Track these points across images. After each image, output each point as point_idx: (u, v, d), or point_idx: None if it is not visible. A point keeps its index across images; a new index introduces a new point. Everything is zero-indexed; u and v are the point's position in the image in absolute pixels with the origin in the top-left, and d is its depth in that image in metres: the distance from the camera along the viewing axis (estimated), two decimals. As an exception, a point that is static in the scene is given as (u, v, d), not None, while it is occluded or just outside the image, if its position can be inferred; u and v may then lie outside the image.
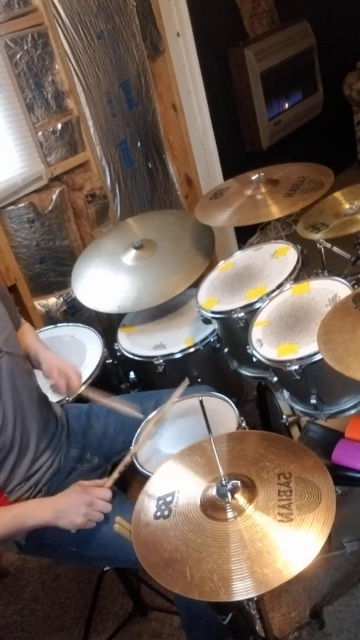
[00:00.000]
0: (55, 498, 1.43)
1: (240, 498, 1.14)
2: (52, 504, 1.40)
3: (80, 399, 1.75)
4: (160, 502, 1.21)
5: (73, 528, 1.37)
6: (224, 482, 1.15)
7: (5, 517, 1.39)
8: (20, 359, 1.56)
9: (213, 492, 1.17)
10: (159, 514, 1.18)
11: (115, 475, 1.44)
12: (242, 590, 1.00)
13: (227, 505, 1.13)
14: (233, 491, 1.15)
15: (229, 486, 1.15)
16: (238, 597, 1.00)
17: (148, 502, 1.22)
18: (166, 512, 1.17)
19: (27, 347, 1.68)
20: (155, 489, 1.26)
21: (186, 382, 1.65)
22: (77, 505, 1.36)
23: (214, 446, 1.16)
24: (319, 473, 1.16)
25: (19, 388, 1.50)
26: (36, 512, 1.40)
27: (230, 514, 1.12)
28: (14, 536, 1.49)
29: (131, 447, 1.59)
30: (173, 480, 1.26)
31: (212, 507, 1.15)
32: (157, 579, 1.06)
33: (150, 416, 1.68)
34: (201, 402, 1.19)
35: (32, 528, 1.42)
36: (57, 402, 1.78)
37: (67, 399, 1.77)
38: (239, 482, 1.16)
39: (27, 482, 1.52)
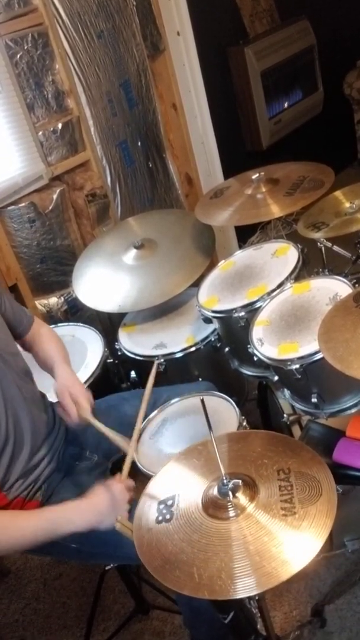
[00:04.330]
0: (90, 500, 1.37)
1: (242, 496, 1.14)
2: (91, 506, 1.35)
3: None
4: (161, 506, 1.21)
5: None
6: (225, 481, 1.15)
7: (35, 521, 1.33)
8: (9, 357, 1.54)
9: (214, 492, 1.17)
10: (160, 518, 1.18)
11: (126, 468, 1.44)
12: (251, 585, 1.00)
13: (229, 504, 1.13)
14: (234, 490, 1.15)
15: (230, 485, 1.15)
16: (248, 592, 1.00)
17: (148, 508, 1.22)
18: (168, 516, 1.18)
19: (44, 353, 1.67)
20: (154, 493, 1.26)
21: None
22: (116, 502, 1.34)
23: (215, 445, 1.17)
24: (317, 466, 1.17)
25: (7, 384, 1.48)
26: (75, 516, 1.34)
27: (233, 513, 1.12)
28: (42, 542, 1.36)
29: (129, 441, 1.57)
30: (172, 484, 1.26)
31: (215, 507, 1.15)
32: (165, 582, 1.06)
33: (151, 415, 1.69)
34: (202, 401, 1.19)
35: (66, 534, 1.34)
36: (57, 402, 1.78)
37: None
38: (240, 481, 1.17)
39: (26, 479, 1.51)
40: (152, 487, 1.28)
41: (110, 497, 1.36)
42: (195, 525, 1.13)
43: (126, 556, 1.38)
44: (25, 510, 1.47)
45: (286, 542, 1.05)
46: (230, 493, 1.14)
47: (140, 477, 1.51)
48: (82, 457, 1.66)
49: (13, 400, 1.49)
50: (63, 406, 1.56)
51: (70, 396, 1.55)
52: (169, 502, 1.21)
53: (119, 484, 1.38)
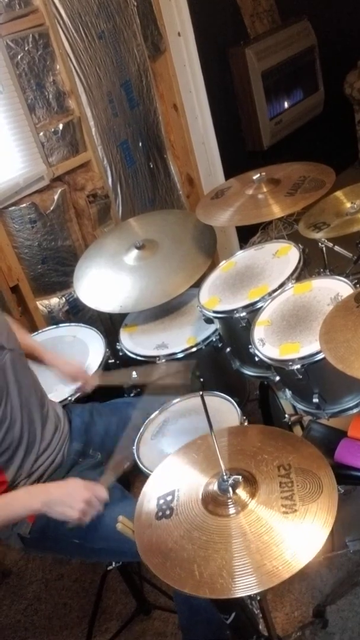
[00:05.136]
0: (47, 487, 1.43)
1: (242, 492, 1.14)
2: (43, 493, 1.40)
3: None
4: (161, 501, 1.21)
5: (64, 519, 1.36)
6: (225, 477, 1.15)
7: None
8: (21, 356, 1.57)
9: (214, 487, 1.17)
10: (160, 514, 1.18)
11: (111, 479, 1.44)
12: (253, 584, 1.00)
13: (230, 500, 1.13)
14: (235, 486, 1.15)
15: (231, 481, 1.15)
16: (250, 591, 1.00)
17: (148, 503, 1.22)
18: (167, 512, 1.17)
19: (29, 347, 1.70)
20: (153, 489, 1.25)
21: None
22: (74, 499, 1.35)
23: (215, 442, 1.16)
24: (317, 462, 1.16)
25: (23, 384, 1.52)
26: (25, 500, 1.39)
27: (233, 509, 1.12)
28: (6, 525, 1.47)
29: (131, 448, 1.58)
30: (171, 480, 1.26)
31: (215, 504, 1.15)
32: (166, 579, 1.06)
33: (152, 416, 1.69)
34: (202, 396, 1.18)
35: (22, 516, 1.43)
36: (60, 402, 1.78)
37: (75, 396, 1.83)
38: (240, 477, 1.16)
39: (31, 476, 1.53)
40: (151, 483, 1.28)
41: (72, 493, 1.37)
42: (196, 522, 1.13)
43: (128, 552, 1.38)
44: None
45: (287, 540, 1.04)
46: (230, 489, 1.14)
47: (140, 476, 1.51)
48: (85, 454, 1.67)
49: (28, 400, 1.52)
50: (74, 382, 1.73)
51: (72, 373, 1.74)
52: (169, 498, 1.20)
53: (94, 489, 1.38)
